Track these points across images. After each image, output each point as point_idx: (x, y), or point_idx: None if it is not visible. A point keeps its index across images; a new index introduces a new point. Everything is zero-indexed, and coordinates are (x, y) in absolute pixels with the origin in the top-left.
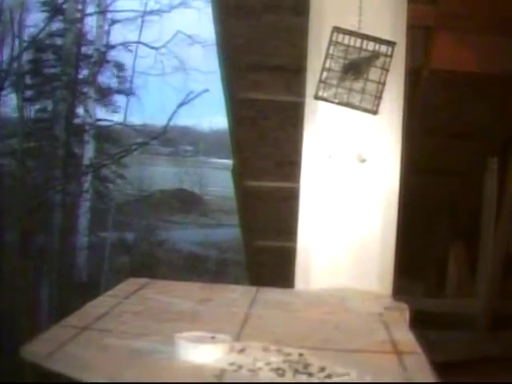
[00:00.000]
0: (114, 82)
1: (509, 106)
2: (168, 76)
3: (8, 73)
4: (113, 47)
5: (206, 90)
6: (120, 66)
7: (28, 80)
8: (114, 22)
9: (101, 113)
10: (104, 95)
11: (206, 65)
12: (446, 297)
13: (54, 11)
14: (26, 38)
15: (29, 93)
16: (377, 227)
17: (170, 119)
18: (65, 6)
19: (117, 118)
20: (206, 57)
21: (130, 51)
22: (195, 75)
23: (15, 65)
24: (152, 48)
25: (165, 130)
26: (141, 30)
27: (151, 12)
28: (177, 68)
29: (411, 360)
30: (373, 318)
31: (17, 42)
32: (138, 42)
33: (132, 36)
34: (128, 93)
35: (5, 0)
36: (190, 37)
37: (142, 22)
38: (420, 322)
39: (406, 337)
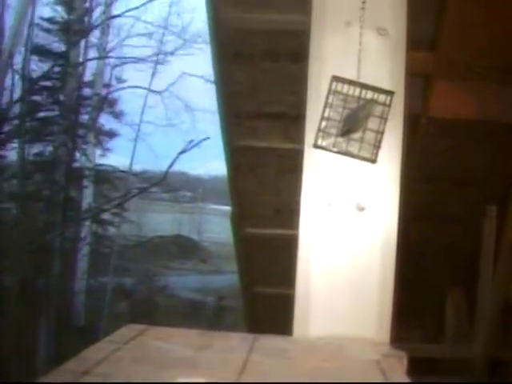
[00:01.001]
0: (113, 127)
1: (507, 154)
2: (173, 120)
3: (7, 116)
4: (112, 92)
5: (207, 138)
6: (118, 114)
7: (27, 123)
8: (115, 65)
9: (99, 158)
10: (102, 139)
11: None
12: (445, 343)
13: (55, 56)
14: (26, 81)
15: (27, 136)
16: (375, 275)
17: (170, 166)
18: (67, 50)
19: (115, 162)
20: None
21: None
22: (202, 116)
23: (15, 108)
24: (155, 92)
25: (165, 176)
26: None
27: (154, 57)
28: (181, 110)
29: None
30: (371, 366)
31: (17, 84)
32: (140, 87)
33: (134, 81)
34: (115, 135)
35: (4, 42)
36: (195, 76)
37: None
38: (418, 369)
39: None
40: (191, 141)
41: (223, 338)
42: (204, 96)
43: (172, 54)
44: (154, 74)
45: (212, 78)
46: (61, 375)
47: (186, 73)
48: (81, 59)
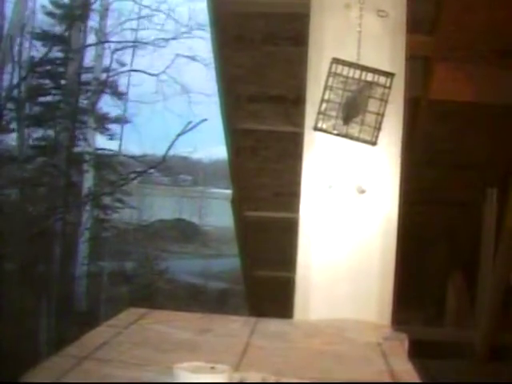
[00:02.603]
0: (113, 111)
1: (508, 137)
2: (169, 103)
3: (7, 101)
4: (112, 76)
5: (205, 120)
6: (119, 95)
7: (27, 108)
8: (115, 50)
9: (100, 141)
10: (102, 123)
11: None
12: (445, 326)
13: (55, 40)
14: (26, 65)
15: (28, 121)
16: (376, 257)
17: (168, 149)
18: (66, 34)
19: (116, 146)
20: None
21: (129, 78)
22: (199, 98)
23: (15, 93)
24: (151, 75)
25: (163, 159)
26: (132, 56)
27: (153, 41)
28: (178, 93)
29: None
30: (371, 348)
31: (17, 69)
32: (137, 70)
33: (133, 64)
34: (124, 121)
35: (5, 27)
36: (190, 58)
37: (134, 49)
38: (419, 352)
39: (404, 367)
40: (189, 122)
41: (224, 322)
42: (201, 78)
43: (174, 38)
44: (152, 57)
45: (208, 60)
46: (61, 360)
47: (180, 54)
48: (80, 44)
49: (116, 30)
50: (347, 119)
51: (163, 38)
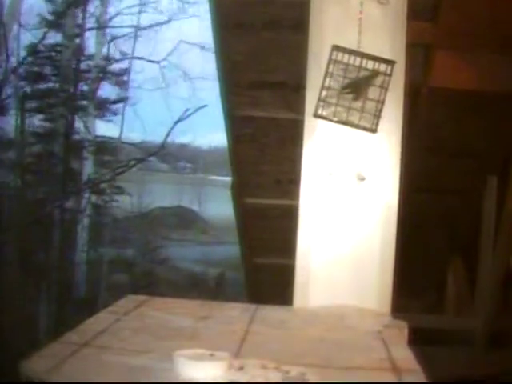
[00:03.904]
0: (113, 96)
1: (508, 125)
2: (171, 89)
3: (3, 87)
4: (112, 63)
5: (204, 106)
6: (119, 82)
7: (26, 94)
8: (113, 38)
9: (100, 129)
10: (102, 107)
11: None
12: (445, 314)
13: (50, 25)
14: (22, 52)
15: (27, 107)
16: (376, 245)
17: (167, 136)
18: (62, 21)
19: (116, 133)
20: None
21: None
22: (202, 83)
23: (12, 79)
24: (152, 62)
25: (162, 146)
26: (134, 43)
27: (151, 26)
28: (179, 79)
29: (409, 377)
30: (371, 336)
31: (14, 56)
32: (138, 58)
33: (131, 51)
34: (124, 102)
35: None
36: (193, 44)
37: (136, 36)
38: (419, 339)
39: (404, 354)
40: (187, 109)
41: (224, 309)
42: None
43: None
44: (151, 44)
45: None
46: (61, 347)
47: (183, 40)
48: (79, 29)
49: (116, 18)
50: (347, 92)
51: (159, 23)
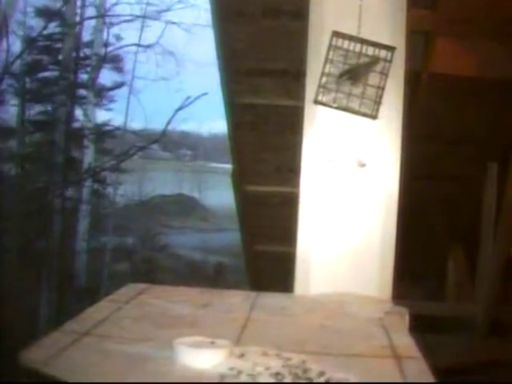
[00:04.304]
0: (112, 84)
1: (508, 112)
2: (167, 77)
3: (4, 76)
4: (111, 51)
5: (204, 94)
6: (119, 69)
7: (26, 83)
8: (112, 25)
9: (101, 116)
10: (101, 96)
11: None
12: (446, 301)
13: (51, 15)
14: (23, 41)
15: (26, 96)
16: (376, 232)
17: (167, 123)
18: (63, 9)
19: (116, 121)
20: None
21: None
22: (192, 68)
23: (13, 68)
24: (146, 47)
25: (163, 134)
26: (141, 34)
27: (151, 15)
28: (173, 67)
29: (410, 364)
30: (372, 323)
31: (14, 44)
32: (135, 45)
33: (132, 39)
34: (119, 87)
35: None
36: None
37: (142, 25)
38: (420, 326)
39: (405, 341)
40: (188, 97)
41: (224, 296)
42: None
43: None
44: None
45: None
46: (62, 335)
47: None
48: (78, 18)
49: (113, 4)
50: (346, 78)
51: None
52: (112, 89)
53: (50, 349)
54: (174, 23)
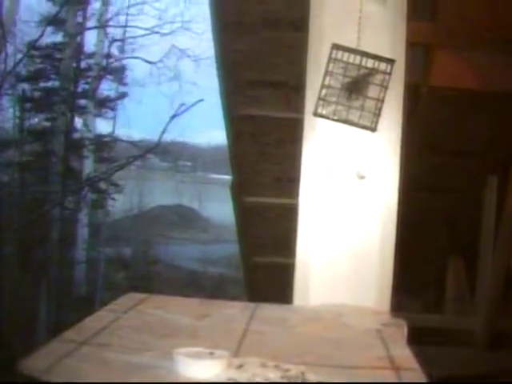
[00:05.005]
0: (112, 94)
1: (509, 124)
2: (165, 88)
3: (3, 85)
4: (113, 62)
5: (201, 100)
6: (119, 80)
7: (26, 93)
8: (114, 40)
9: (100, 126)
10: (102, 106)
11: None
12: (445, 313)
13: (49, 22)
14: (22, 49)
15: (26, 106)
16: (375, 243)
17: (163, 132)
18: (63, 17)
19: (115, 132)
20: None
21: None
22: (192, 89)
23: (13, 77)
24: (149, 62)
25: (159, 142)
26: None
27: (152, 32)
28: (172, 79)
29: (408, 376)
30: (371, 334)
31: (14, 54)
32: (137, 58)
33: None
34: (122, 97)
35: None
36: (183, 51)
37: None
38: (418, 339)
39: (403, 353)
40: (182, 104)
41: (223, 307)
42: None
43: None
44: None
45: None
46: (60, 345)
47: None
48: (80, 28)
49: (114, 16)
50: (350, 91)
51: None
52: (112, 100)
53: (49, 357)
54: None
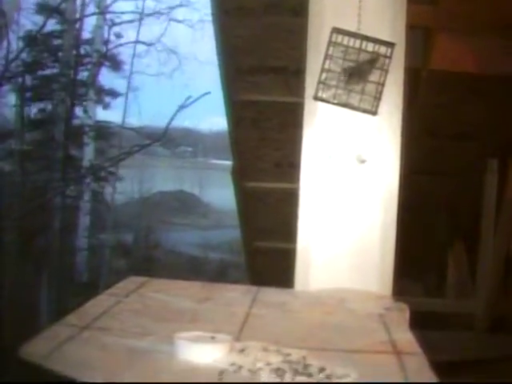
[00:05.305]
0: (112, 83)
1: (509, 108)
2: (167, 74)
3: (4, 74)
4: (112, 48)
5: (207, 93)
6: (119, 66)
7: (26, 81)
8: (113, 24)
9: (101, 114)
10: (102, 95)
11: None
12: (446, 297)
13: (51, 11)
14: (22, 38)
15: (26, 94)
16: (376, 228)
17: (170, 121)
18: (63, 6)
19: (116, 118)
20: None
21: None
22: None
23: (13, 66)
24: (148, 45)
25: (165, 132)
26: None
27: (150, 14)
28: (174, 64)
29: (411, 360)
30: (373, 319)
31: (13, 42)
32: (136, 42)
33: (131, 37)
34: (125, 90)
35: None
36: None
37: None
38: (420, 323)
39: (405, 337)
40: (189, 97)
41: (225, 290)
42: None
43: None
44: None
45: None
46: (62, 329)
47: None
48: (78, 15)
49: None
50: (349, 77)
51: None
52: (110, 93)
53: (49, 342)
54: (178, 21)
